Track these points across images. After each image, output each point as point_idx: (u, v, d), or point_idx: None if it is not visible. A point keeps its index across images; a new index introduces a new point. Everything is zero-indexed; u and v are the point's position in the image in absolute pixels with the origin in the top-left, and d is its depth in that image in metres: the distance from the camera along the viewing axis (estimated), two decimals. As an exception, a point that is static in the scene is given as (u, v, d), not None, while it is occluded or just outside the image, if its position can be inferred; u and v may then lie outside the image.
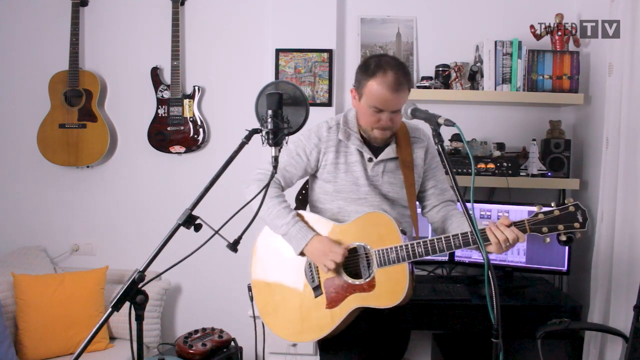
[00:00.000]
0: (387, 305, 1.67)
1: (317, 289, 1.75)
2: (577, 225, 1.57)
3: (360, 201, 1.78)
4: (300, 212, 1.84)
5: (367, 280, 1.70)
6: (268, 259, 1.85)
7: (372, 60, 1.71)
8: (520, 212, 2.57)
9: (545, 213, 1.58)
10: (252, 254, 1.88)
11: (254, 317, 1.91)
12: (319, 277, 1.75)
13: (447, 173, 1.50)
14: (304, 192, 2.02)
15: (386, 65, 1.66)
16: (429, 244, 1.64)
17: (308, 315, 1.76)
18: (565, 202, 1.59)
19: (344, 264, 1.72)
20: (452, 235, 1.63)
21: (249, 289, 1.87)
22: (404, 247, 1.65)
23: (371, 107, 1.68)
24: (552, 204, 1.60)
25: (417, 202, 1.96)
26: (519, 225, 1.58)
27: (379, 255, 1.68)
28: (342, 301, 1.71)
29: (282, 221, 1.74)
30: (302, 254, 1.74)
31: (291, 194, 1.99)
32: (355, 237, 1.73)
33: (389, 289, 1.67)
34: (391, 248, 1.67)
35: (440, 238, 1.64)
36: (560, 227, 1.57)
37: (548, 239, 1.59)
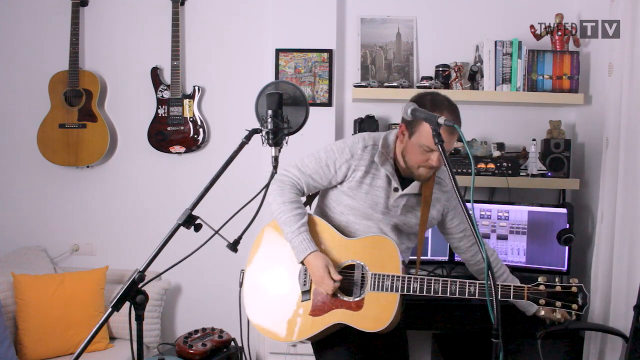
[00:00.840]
0: (369, 330, 1.66)
1: (306, 293, 1.75)
2: (574, 307, 1.59)
3: (371, 222, 1.77)
4: (313, 217, 1.82)
5: (356, 299, 1.70)
6: (267, 251, 1.85)
7: (428, 99, 1.66)
8: (520, 212, 2.57)
9: (546, 285, 1.61)
10: (254, 241, 1.86)
11: (240, 308, 1.89)
12: (310, 283, 1.75)
13: (447, 173, 1.50)
14: None
15: (442, 105, 1.64)
16: (425, 283, 1.65)
17: (292, 316, 1.76)
18: (570, 281, 1.61)
19: None
20: (450, 281, 1.66)
21: (242, 274, 1.85)
22: (400, 277, 1.66)
23: (423, 146, 1.64)
24: (557, 279, 1.62)
25: (447, 241, 1.98)
26: (517, 289, 1.63)
27: (374, 279, 1.68)
28: (327, 312, 1.71)
29: (289, 228, 1.73)
30: (303, 263, 1.74)
31: None
32: (357, 255, 1.73)
33: (375, 314, 1.67)
34: (388, 275, 1.67)
35: (438, 280, 1.66)
36: (558, 303, 1.60)
37: (543, 312, 1.64)
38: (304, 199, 1.91)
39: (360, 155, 1.75)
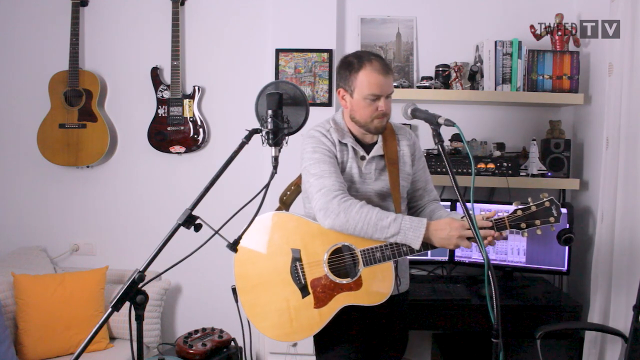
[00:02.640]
0: (374, 303, 1.70)
1: (304, 289, 1.75)
2: (552, 219, 1.66)
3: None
4: (283, 214, 1.83)
5: (354, 279, 1.71)
6: (250, 263, 1.83)
7: (352, 57, 1.79)
8: (520, 212, 2.56)
9: (523, 209, 1.66)
10: (234, 259, 1.84)
11: (239, 316, 1.88)
12: (305, 278, 1.75)
13: (447, 173, 1.50)
14: (288, 192, 2.02)
15: (368, 55, 1.76)
16: None
17: (297, 315, 1.76)
18: (541, 196, 1.66)
19: (330, 264, 1.72)
20: None
21: (233, 291, 1.84)
22: (388, 246, 1.68)
23: (368, 97, 1.72)
24: (529, 199, 1.67)
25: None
26: (499, 222, 1.65)
27: (364, 255, 1.70)
28: (330, 300, 1.73)
29: (388, 220, 1.64)
30: (425, 246, 1.66)
31: (275, 194, 1.96)
32: (340, 237, 1.73)
33: (376, 287, 1.70)
34: (376, 247, 1.69)
35: None
36: (537, 222, 1.65)
37: (526, 234, 1.68)
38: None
39: (329, 140, 1.81)
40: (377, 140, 1.84)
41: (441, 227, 1.63)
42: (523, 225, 1.65)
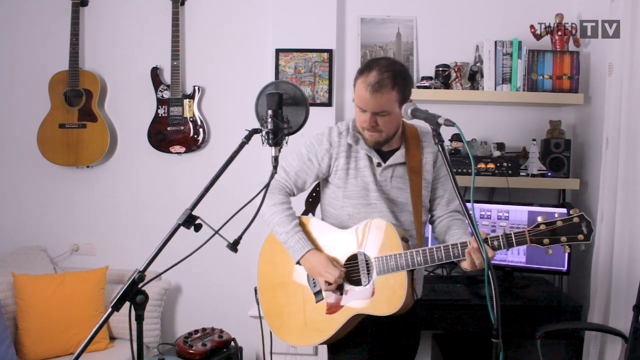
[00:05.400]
0: (385, 313, 1.65)
1: (318, 294, 1.76)
2: (580, 237, 1.49)
3: (370, 207, 1.77)
4: (305, 218, 1.84)
5: (366, 287, 1.69)
6: (273, 263, 1.86)
7: (368, 61, 1.74)
8: (520, 212, 2.56)
9: (547, 224, 1.51)
10: (258, 257, 1.89)
11: (260, 317, 1.90)
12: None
13: (447, 173, 1.50)
14: (314, 194, 2.01)
15: (374, 65, 1.65)
16: (427, 253, 1.62)
17: (310, 319, 1.76)
18: (570, 212, 1.52)
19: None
20: (452, 245, 1.61)
21: (255, 291, 1.88)
22: (403, 255, 1.64)
23: (357, 105, 1.70)
24: (556, 215, 1.54)
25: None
26: (518, 236, 1.53)
27: (378, 263, 1.67)
28: (342, 307, 1.72)
29: (283, 229, 1.75)
30: (299, 263, 1.76)
31: (301, 196, 1.98)
32: (356, 244, 1.73)
33: (388, 296, 1.66)
34: (391, 256, 1.65)
35: (440, 247, 1.62)
36: (563, 238, 1.50)
37: (550, 251, 1.53)
38: (301, 202, 1.90)
39: (338, 142, 1.79)
40: (399, 147, 1.79)
41: (313, 258, 1.71)
42: (546, 241, 1.50)
